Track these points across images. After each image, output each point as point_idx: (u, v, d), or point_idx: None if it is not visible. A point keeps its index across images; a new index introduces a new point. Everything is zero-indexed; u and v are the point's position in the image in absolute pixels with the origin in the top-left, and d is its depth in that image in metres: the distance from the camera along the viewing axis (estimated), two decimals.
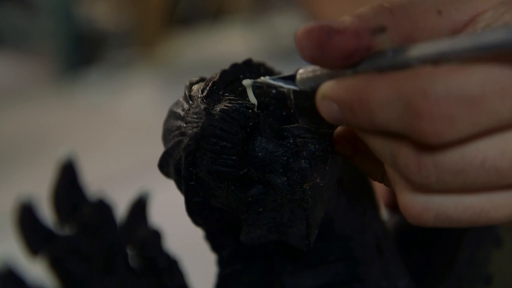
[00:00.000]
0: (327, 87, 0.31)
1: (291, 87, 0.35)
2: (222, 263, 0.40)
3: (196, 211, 0.36)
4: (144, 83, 2.61)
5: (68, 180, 0.31)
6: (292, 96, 0.37)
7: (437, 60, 0.29)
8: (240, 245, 0.39)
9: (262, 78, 0.36)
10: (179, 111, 0.36)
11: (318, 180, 0.34)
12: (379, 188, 0.45)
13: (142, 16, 2.90)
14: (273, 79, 0.35)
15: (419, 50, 0.29)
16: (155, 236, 0.34)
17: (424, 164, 0.30)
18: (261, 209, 0.35)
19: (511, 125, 0.29)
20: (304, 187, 0.33)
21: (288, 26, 3.02)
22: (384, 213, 0.45)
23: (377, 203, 0.42)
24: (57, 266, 0.30)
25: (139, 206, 0.34)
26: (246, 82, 0.35)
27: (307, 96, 0.36)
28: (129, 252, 0.33)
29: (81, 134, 2.24)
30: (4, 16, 2.91)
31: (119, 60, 2.81)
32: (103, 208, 0.31)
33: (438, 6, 0.32)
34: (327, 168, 0.34)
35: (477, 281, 0.46)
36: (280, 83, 0.35)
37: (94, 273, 0.30)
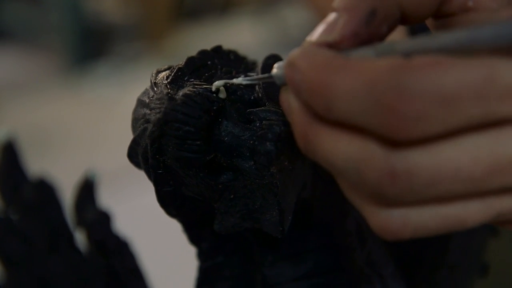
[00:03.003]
0: (297, 55, 0.30)
1: (267, 81, 0.34)
2: (202, 255, 0.40)
3: (168, 200, 0.35)
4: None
5: (9, 161, 0.30)
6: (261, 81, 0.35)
7: (416, 52, 0.28)
8: (219, 237, 0.38)
9: (235, 80, 0.35)
10: (145, 99, 0.35)
11: (286, 163, 0.33)
12: None
13: (150, 9, 2.90)
14: (248, 80, 0.35)
15: (404, 42, 0.29)
16: (104, 217, 0.33)
17: (397, 174, 0.28)
18: (232, 196, 0.34)
19: (482, 129, 0.28)
20: (271, 170, 0.32)
21: (296, 18, 3.01)
22: None
23: None
24: None
25: (86, 187, 0.33)
26: (218, 83, 0.34)
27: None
28: (78, 234, 0.33)
29: (89, 127, 2.24)
30: (13, 10, 2.92)
31: (127, 53, 2.81)
32: (44, 188, 0.30)
33: None
34: (295, 150, 0.32)
35: (472, 271, 0.46)
36: (255, 82, 0.35)
37: (36, 253, 0.30)
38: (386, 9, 0.30)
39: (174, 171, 0.34)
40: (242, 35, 2.97)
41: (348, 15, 0.30)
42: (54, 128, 2.29)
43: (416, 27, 0.43)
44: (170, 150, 0.33)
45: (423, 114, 0.27)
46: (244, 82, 0.34)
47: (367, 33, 0.30)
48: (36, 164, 1.88)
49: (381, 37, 0.31)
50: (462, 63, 0.27)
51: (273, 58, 0.35)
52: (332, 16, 0.31)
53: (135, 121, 0.35)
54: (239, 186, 0.34)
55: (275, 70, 0.32)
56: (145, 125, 0.34)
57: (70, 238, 0.31)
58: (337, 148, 0.29)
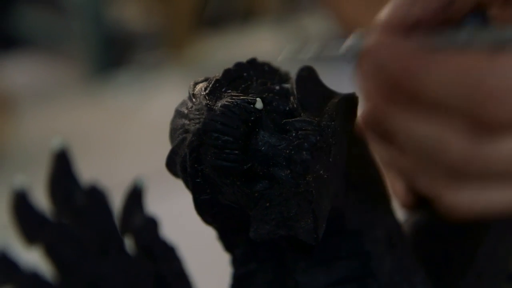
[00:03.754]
0: (376, 45, 0.32)
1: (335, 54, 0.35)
2: (236, 263, 0.41)
3: (205, 208, 0.37)
4: (174, 84, 2.61)
5: (62, 169, 0.31)
6: (295, 92, 0.37)
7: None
8: (253, 244, 0.40)
9: (301, 54, 0.36)
10: (184, 109, 0.37)
11: (321, 172, 0.34)
12: (395, 188, 0.45)
13: (172, 18, 2.91)
14: (314, 54, 0.36)
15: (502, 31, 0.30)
16: (151, 223, 0.34)
17: (479, 155, 0.30)
18: (268, 204, 0.35)
19: None
20: (307, 178, 0.34)
21: (317, 27, 3.01)
22: (400, 214, 0.45)
23: (389, 199, 0.42)
24: (51, 252, 0.30)
25: (134, 194, 0.34)
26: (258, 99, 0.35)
27: (310, 91, 0.37)
28: (126, 240, 0.33)
29: (110, 134, 2.25)
30: (35, 18, 2.94)
31: (149, 62, 2.83)
32: (95, 194, 0.31)
33: None
34: (330, 160, 0.35)
35: (499, 278, 0.46)
36: (321, 55, 0.35)
37: (87, 257, 0.31)
38: None
39: (211, 180, 0.35)
40: (263, 44, 2.98)
41: None
42: (75, 136, 2.30)
43: None
44: (208, 159, 0.35)
45: None
46: (308, 57, 0.36)
47: (443, 17, 0.31)
48: None
49: (453, 22, 0.32)
50: None
51: (307, 70, 0.37)
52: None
53: (173, 131, 0.37)
54: (275, 194, 0.35)
55: (346, 47, 0.33)
56: (184, 135, 0.36)
57: (120, 243, 0.32)
58: (416, 126, 0.31)
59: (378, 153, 0.43)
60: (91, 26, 2.75)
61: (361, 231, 0.39)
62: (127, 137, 2.20)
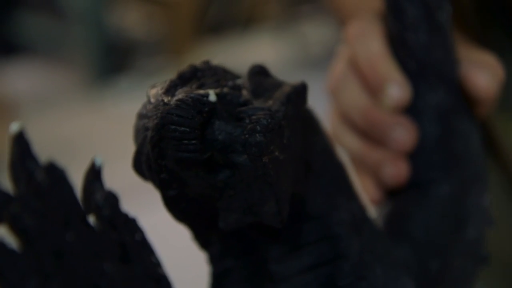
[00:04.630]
0: None
1: None
2: (212, 260, 0.42)
3: (174, 204, 0.38)
4: None
5: (21, 150, 0.32)
6: (248, 84, 0.38)
7: None
8: (227, 240, 0.41)
9: None
10: (143, 111, 0.38)
11: (277, 153, 0.36)
12: (364, 185, 0.47)
13: (172, 25, 2.92)
14: None
15: None
16: (111, 197, 0.35)
17: None
18: (232, 192, 0.37)
19: None
20: (263, 160, 0.35)
21: (317, 35, 3.02)
22: (372, 211, 0.47)
23: (351, 185, 0.44)
24: (15, 225, 0.31)
25: (93, 172, 0.35)
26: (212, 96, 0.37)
27: (261, 83, 0.39)
28: (89, 217, 0.34)
29: (111, 141, 2.25)
30: (36, 25, 2.95)
31: (149, 68, 2.84)
32: (54, 170, 0.32)
33: None
34: (284, 141, 0.37)
35: (472, 261, 0.47)
36: None
37: (50, 229, 0.32)
38: None
39: (176, 174, 0.36)
40: (263, 51, 2.99)
41: None
42: (76, 142, 2.31)
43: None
44: (169, 153, 0.35)
45: None
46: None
47: None
48: None
49: None
50: None
51: (259, 67, 0.39)
52: None
53: (136, 133, 0.39)
54: (237, 181, 0.36)
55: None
56: (145, 133, 0.37)
57: (83, 215, 0.33)
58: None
59: (348, 150, 0.48)
60: (92, 33, 2.76)
61: (326, 215, 0.41)
62: (127, 142, 2.20)
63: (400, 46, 0.46)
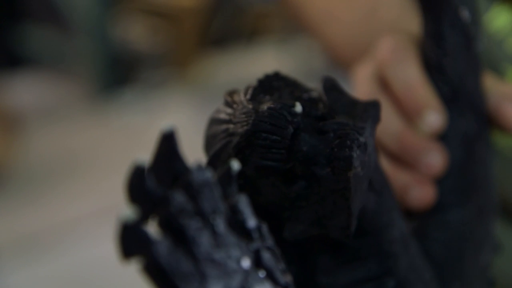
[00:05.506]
0: None
1: None
2: None
3: None
4: (178, 103, 2.63)
5: (168, 150, 0.32)
6: (325, 98, 0.39)
7: None
8: (281, 247, 0.41)
9: None
10: (222, 116, 0.38)
11: (359, 169, 0.36)
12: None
13: (176, 38, 2.93)
14: None
15: None
16: (243, 200, 0.35)
17: None
18: (304, 204, 0.37)
19: None
20: (348, 175, 0.35)
21: (319, 47, 3.02)
22: None
23: (398, 204, 0.44)
24: (170, 225, 0.31)
25: (228, 176, 0.36)
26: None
27: (337, 98, 0.39)
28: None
29: (116, 153, 2.26)
30: (41, 37, 2.96)
31: (154, 80, 2.85)
32: (203, 172, 0.32)
33: None
34: (366, 158, 0.37)
35: (480, 284, 0.48)
36: None
37: (202, 229, 0.31)
38: None
39: (251, 181, 0.37)
40: (267, 64, 2.99)
41: None
42: (81, 154, 2.31)
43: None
44: (253, 159, 0.36)
45: None
46: None
47: None
48: (63, 188, 1.89)
49: None
50: None
51: (331, 80, 0.40)
52: None
53: (211, 138, 0.38)
54: (311, 193, 0.37)
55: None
56: (228, 138, 0.37)
57: (226, 218, 0.33)
58: None
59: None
60: (97, 45, 2.77)
61: (378, 232, 0.41)
62: (132, 154, 2.20)
63: (437, 71, 0.47)
